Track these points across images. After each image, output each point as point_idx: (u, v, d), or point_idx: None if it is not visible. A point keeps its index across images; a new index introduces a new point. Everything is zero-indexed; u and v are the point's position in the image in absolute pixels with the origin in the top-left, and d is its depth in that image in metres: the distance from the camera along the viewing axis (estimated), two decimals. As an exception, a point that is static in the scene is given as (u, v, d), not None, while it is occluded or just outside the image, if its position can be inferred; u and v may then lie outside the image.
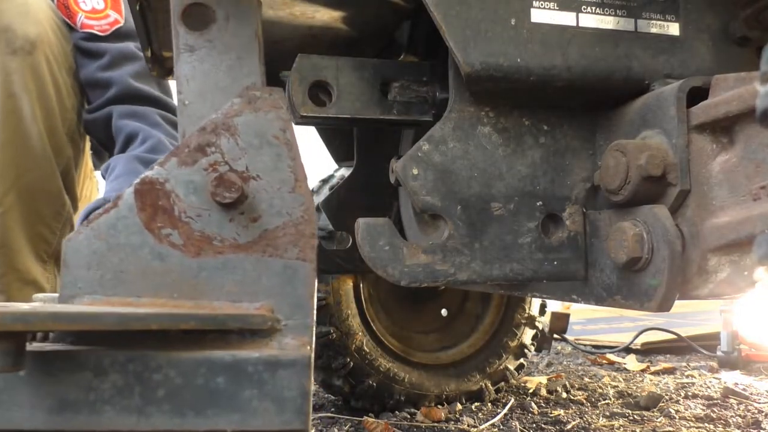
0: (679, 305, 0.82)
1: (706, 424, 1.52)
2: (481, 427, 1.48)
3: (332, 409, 1.69)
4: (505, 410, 1.62)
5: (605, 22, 0.79)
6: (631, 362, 2.42)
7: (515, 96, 0.80)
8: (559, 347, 2.82)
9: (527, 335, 1.79)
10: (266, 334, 0.59)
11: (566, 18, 0.77)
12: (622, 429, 1.48)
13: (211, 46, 0.74)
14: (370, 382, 1.60)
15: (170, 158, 0.62)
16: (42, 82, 1.65)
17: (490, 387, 1.73)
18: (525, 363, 1.82)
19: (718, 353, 2.36)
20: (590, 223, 0.82)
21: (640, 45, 0.79)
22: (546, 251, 0.81)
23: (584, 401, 1.78)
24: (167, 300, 0.60)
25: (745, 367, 2.30)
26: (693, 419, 1.56)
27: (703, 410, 1.65)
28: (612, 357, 2.54)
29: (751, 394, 1.85)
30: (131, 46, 1.76)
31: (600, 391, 1.92)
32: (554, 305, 2.39)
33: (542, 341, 1.87)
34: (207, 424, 0.55)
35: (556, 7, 0.77)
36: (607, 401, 1.77)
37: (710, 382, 2.07)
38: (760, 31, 0.80)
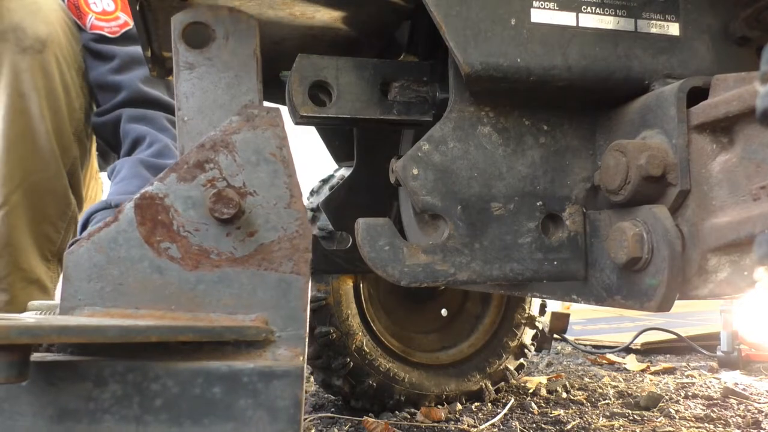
0: (679, 305, 0.82)
1: (706, 424, 1.52)
2: (481, 427, 1.48)
3: (332, 409, 1.69)
4: (505, 410, 1.62)
5: (605, 22, 0.79)
6: (631, 362, 2.42)
7: (515, 96, 0.80)
8: (559, 347, 2.82)
9: (527, 335, 1.79)
10: (261, 345, 0.61)
11: (566, 18, 0.77)
12: (622, 429, 1.48)
13: (210, 64, 0.77)
14: (370, 382, 1.60)
15: (170, 174, 0.64)
16: (51, 82, 1.66)
17: (490, 387, 1.73)
18: (525, 363, 1.82)
19: (718, 353, 2.36)
20: (590, 223, 0.82)
21: (640, 45, 0.79)
22: (546, 251, 0.81)
23: (584, 401, 1.78)
24: (165, 312, 0.62)
25: (745, 367, 2.30)
26: (693, 419, 1.56)
27: (703, 410, 1.65)
28: (612, 357, 2.54)
29: (751, 394, 1.85)
30: (141, 49, 1.77)
31: (600, 391, 1.92)
32: (554, 305, 2.39)
33: (542, 341, 1.87)
34: None
35: (556, 7, 0.77)
36: (607, 401, 1.77)
37: (710, 382, 2.07)
38: (760, 31, 0.80)
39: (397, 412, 1.63)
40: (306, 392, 1.87)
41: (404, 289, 1.70)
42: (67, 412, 0.56)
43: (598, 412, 1.64)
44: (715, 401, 1.77)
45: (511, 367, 1.77)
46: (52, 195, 1.72)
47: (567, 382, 1.97)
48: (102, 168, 2.13)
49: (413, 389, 1.64)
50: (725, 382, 2.01)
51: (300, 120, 0.85)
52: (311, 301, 1.57)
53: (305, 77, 0.83)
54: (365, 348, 1.60)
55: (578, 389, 1.94)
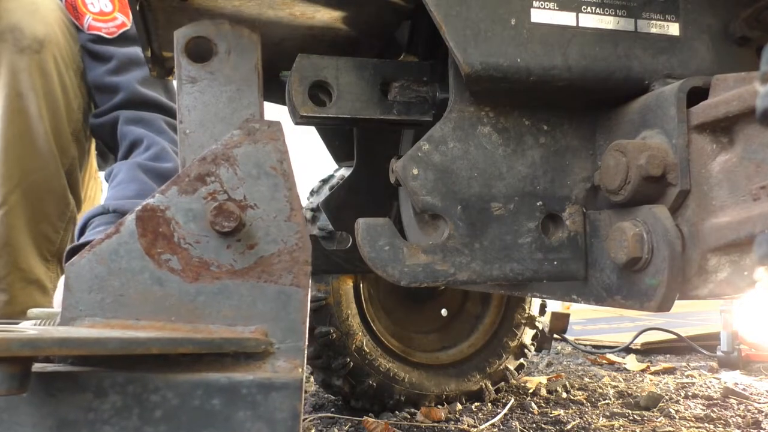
0: (679, 305, 0.82)
1: (706, 424, 1.52)
2: (481, 427, 1.48)
3: (332, 409, 1.69)
4: (505, 410, 1.62)
5: (605, 22, 0.79)
6: (631, 362, 2.42)
7: (515, 96, 0.80)
8: (559, 347, 2.82)
9: (527, 335, 1.79)
10: (260, 357, 0.61)
11: (566, 18, 0.77)
12: (622, 429, 1.48)
13: (212, 78, 0.78)
14: (370, 382, 1.60)
15: (171, 186, 0.65)
16: (49, 82, 1.66)
17: (490, 387, 1.73)
18: (525, 363, 1.82)
19: (718, 353, 2.36)
20: (590, 223, 0.82)
21: (640, 45, 0.79)
22: (546, 251, 0.81)
23: (584, 401, 1.78)
24: (165, 323, 0.62)
25: (745, 367, 2.30)
26: (693, 419, 1.56)
27: (703, 410, 1.65)
28: (612, 357, 2.54)
29: (751, 394, 1.86)
30: (138, 50, 1.77)
31: (600, 391, 1.92)
32: (554, 305, 2.39)
33: (542, 341, 1.87)
34: None
35: (556, 7, 0.77)
36: (607, 401, 1.77)
37: (710, 382, 2.07)
38: (760, 31, 0.80)
39: (397, 412, 1.63)
40: (306, 392, 1.87)
41: (404, 289, 1.70)
42: (66, 423, 0.56)
43: (598, 412, 1.64)
44: (715, 401, 1.77)
45: (511, 367, 1.77)
46: (51, 195, 1.72)
47: (567, 382, 1.97)
48: (101, 168, 2.13)
49: (413, 389, 1.64)
50: (725, 382, 2.01)
51: (300, 120, 0.85)
52: (311, 301, 1.57)
53: (305, 77, 0.83)
54: (365, 348, 1.60)
55: (578, 389, 1.94)
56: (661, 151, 0.72)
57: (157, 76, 1.11)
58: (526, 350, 1.79)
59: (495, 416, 1.56)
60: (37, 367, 0.57)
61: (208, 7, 0.85)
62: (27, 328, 0.54)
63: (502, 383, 1.77)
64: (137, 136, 1.71)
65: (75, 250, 1.58)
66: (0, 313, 1.68)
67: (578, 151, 0.84)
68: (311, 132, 1.31)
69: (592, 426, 1.50)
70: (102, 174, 2.14)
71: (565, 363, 2.49)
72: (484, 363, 1.74)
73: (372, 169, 1.16)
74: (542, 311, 1.84)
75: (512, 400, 1.72)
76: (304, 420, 1.52)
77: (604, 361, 2.50)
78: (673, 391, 1.92)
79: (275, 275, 0.64)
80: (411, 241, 0.79)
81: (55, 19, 1.69)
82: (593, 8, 0.78)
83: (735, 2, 0.81)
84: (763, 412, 1.65)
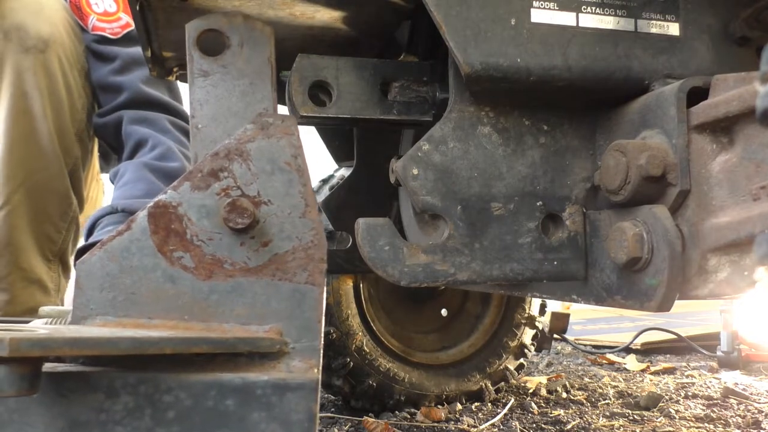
0: (679, 305, 0.82)
1: (706, 424, 1.52)
2: (481, 427, 1.48)
3: (332, 409, 1.69)
4: (505, 410, 1.62)
5: (605, 22, 0.78)
6: (631, 362, 2.42)
7: (515, 96, 0.80)
8: (559, 347, 2.82)
9: (527, 335, 1.79)
10: (274, 357, 0.60)
11: (566, 18, 0.77)
12: (622, 429, 1.48)
13: (224, 72, 0.76)
14: (370, 382, 1.60)
15: (183, 182, 0.64)
16: (53, 82, 1.66)
17: (490, 387, 1.73)
18: (525, 363, 1.82)
19: (718, 353, 2.36)
20: (590, 223, 0.82)
21: (640, 45, 0.79)
22: (546, 251, 0.81)
23: (584, 401, 1.78)
24: (178, 322, 0.61)
25: (745, 367, 2.30)
26: (693, 419, 1.56)
27: (703, 410, 1.65)
28: (612, 357, 2.54)
29: (751, 394, 1.86)
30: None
31: (600, 391, 1.92)
32: (554, 305, 2.39)
33: (542, 341, 1.87)
34: None
35: (556, 7, 0.77)
36: (607, 401, 1.77)
37: (710, 382, 2.07)
38: (760, 31, 0.80)
39: (397, 412, 1.63)
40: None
41: (404, 289, 1.70)
42: (78, 424, 0.55)
43: (598, 412, 1.64)
44: (715, 401, 1.77)
45: (511, 367, 1.77)
46: (54, 195, 1.72)
47: (567, 382, 1.97)
48: (103, 170, 2.14)
49: (413, 389, 1.64)
50: (725, 382, 2.01)
51: (300, 120, 0.85)
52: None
53: (305, 77, 0.83)
54: (365, 348, 1.60)
55: (578, 389, 1.94)
56: (661, 151, 0.72)
57: (157, 76, 1.11)
58: (526, 350, 1.79)
59: (495, 416, 1.56)
60: (47, 366, 0.56)
61: (207, 7, 0.85)
62: (37, 327, 0.54)
63: (502, 383, 1.77)
64: (142, 136, 1.72)
65: (85, 250, 1.59)
66: (1, 313, 1.68)
67: (578, 151, 0.84)
68: (311, 132, 1.31)
69: (592, 426, 1.50)
70: (104, 176, 2.14)
71: (565, 363, 2.49)
72: (484, 363, 1.74)
73: (372, 169, 1.16)
74: (542, 311, 1.84)
75: (512, 400, 1.72)
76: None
77: (604, 361, 2.50)
78: (673, 391, 1.92)
79: (290, 273, 0.63)
80: (411, 241, 0.79)
81: (60, 19, 1.69)
82: (593, 8, 0.78)
83: (735, 2, 0.81)
84: (763, 412, 1.65)
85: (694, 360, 2.54)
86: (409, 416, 1.60)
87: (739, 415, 1.61)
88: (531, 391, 1.87)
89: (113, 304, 0.61)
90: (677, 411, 1.63)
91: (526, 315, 1.78)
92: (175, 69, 1.10)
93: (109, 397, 0.55)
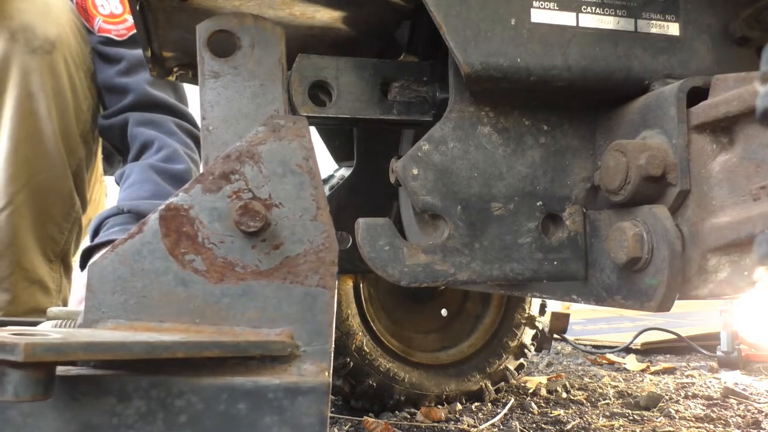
0: (679, 305, 0.82)
1: (706, 424, 1.52)
2: (481, 427, 1.48)
3: (332, 409, 1.69)
4: (505, 410, 1.62)
5: (605, 22, 0.79)
6: (631, 362, 2.42)
7: (515, 96, 0.80)
8: (559, 347, 2.82)
9: (527, 335, 1.79)
10: (286, 360, 0.60)
11: (566, 18, 0.77)
12: (622, 429, 1.48)
13: (235, 73, 0.76)
14: (370, 382, 1.60)
15: (195, 185, 0.63)
16: (59, 83, 1.66)
17: (490, 387, 1.73)
18: (525, 363, 1.82)
19: (718, 353, 2.36)
20: (590, 223, 0.82)
21: (640, 45, 0.79)
22: (546, 251, 0.81)
23: (584, 401, 1.78)
24: (189, 325, 0.61)
25: (745, 367, 2.30)
26: (693, 419, 1.56)
27: (703, 410, 1.65)
28: (612, 357, 2.54)
29: (751, 394, 1.86)
30: None
31: (600, 391, 1.92)
32: (554, 305, 2.39)
33: (542, 341, 1.87)
34: None
35: (556, 7, 0.77)
36: (607, 401, 1.77)
37: (710, 382, 2.07)
38: (760, 31, 0.80)
39: (397, 412, 1.63)
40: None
41: (404, 289, 1.70)
42: (90, 428, 0.55)
43: (598, 412, 1.64)
44: (715, 401, 1.77)
45: (511, 367, 1.77)
46: (57, 195, 1.72)
47: (567, 382, 1.97)
48: (106, 172, 2.14)
49: (413, 389, 1.64)
50: (725, 382, 2.01)
51: (300, 120, 0.85)
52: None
53: (305, 77, 0.83)
54: (365, 348, 1.60)
55: (578, 389, 1.94)
56: (661, 151, 0.72)
57: (157, 76, 1.11)
58: (526, 350, 1.79)
59: (495, 416, 1.56)
60: (60, 370, 0.55)
61: (207, 7, 0.85)
62: (49, 330, 0.53)
63: (502, 383, 1.77)
64: (148, 138, 1.72)
65: (90, 251, 1.59)
66: (2, 313, 1.68)
67: (578, 151, 0.84)
68: (311, 132, 1.31)
69: (592, 426, 1.50)
70: (107, 178, 2.14)
71: (565, 363, 2.49)
72: (484, 363, 1.74)
73: (372, 169, 1.16)
74: (542, 311, 1.84)
75: (512, 400, 1.72)
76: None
77: (604, 361, 2.50)
78: (673, 391, 1.92)
79: (301, 276, 0.63)
80: (411, 241, 0.79)
81: (66, 20, 1.69)
82: (593, 8, 0.78)
83: (735, 2, 0.81)
84: (763, 412, 1.65)
85: (694, 360, 2.54)
86: (409, 416, 1.60)
87: (739, 415, 1.61)
88: (531, 391, 1.87)
89: (125, 308, 0.61)
90: (677, 411, 1.63)
91: (526, 315, 1.78)
92: (175, 69, 1.10)
93: (121, 401, 0.55)
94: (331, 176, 1.73)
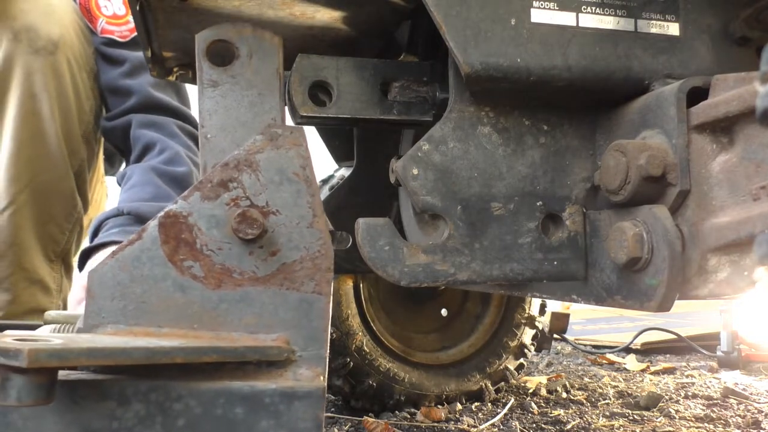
0: (679, 305, 0.82)
1: (706, 424, 1.52)
2: (481, 427, 1.48)
3: (332, 409, 1.69)
4: (505, 410, 1.62)
5: (605, 22, 0.79)
6: (631, 362, 2.42)
7: (515, 96, 0.80)
8: (559, 347, 2.82)
9: (527, 335, 1.79)
10: (282, 365, 0.61)
11: (566, 18, 0.77)
12: (622, 429, 1.48)
13: (233, 82, 0.77)
14: (370, 382, 1.60)
15: (193, 192, 0.64)
16: (62, 83, 1.66)
17: (490, 387, 1.73)
18: (525, 363, 1.82)
19: (718, 353, 2.36)
20: (590, 223, 0.82)
21: (640, 45, 0.79)
22: (546, 251, 0.81)
23: (584, 401, 1.78)
24: (188, 331, 0.62)
25: (745, 367, 2.30)
26: (693, 419, 1.56)
27: (703, 410, 1.65)
28: (612, 357, 2.54)
29: (751, 394, 1.86)
30: None
31: (600, 391, 1.92)
32: (554, 305, 2.39)
33: (542, 341, 1.87)
34: None
35: (556, 7, 0.77)
36: (607, 401, 1.77)
37: (710, 382, 2.07)
38: (760, 31, 0.80)
39: (397, 412, 1.63)
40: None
41: (404, 289, 1.70)
42: (90, 431, 0.55)
43: (598, 412, 1.64)
44: (715, 401, 1.78)
45: (511, 367, 1.77)
46: (59, 196, 1.72)
47: (567, 382, 1.97)
48: (107, 173, 2.14)
49: (413, 389, 1.64)
50: (725, 382, 2.01)
51: (300, 120, 0.85)
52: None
53: (305, 77, 0.83)
54: (365, 348, 1.60)
55: (578, 389, 1.94)
56: (661, 151, 0.72)
57: (157, 76, 1.11)
58: (526, 350, 1.79)
59: (495, 416, 1.56)
60: (60, 374, 0.56)
61: (207, 7, 0.85)
62: (50, 336, 0.54)
63: (502, 383, 1.77)
64: (150, 140, 1.72)
65: (89, 252, 1.59)
66: (2, 313, 1.68)
67: (578, 151, 0.84)
68: (311, 132, 1.31)
69: (592, 426, 1.50)
70: (108, 179, 2.15)
71: (565, 363, 2.49)
72: (484, 363, 1.74)
73: (372, 169, 1.16)
74: (542, 311, 1.84)
75: (512, 400, 1.72)
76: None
77: (604, 361, 2.50)
78: (673, 391, 1.92)
79: (297, 282, 0.64)
80: (411, 241, 0.79)
81: (70, 21, 1.70)
82: (593, 8, 0.78)
83: (735, 2, 0.81)
84: (763, 412, 1.65)
85: (694, 360, 2.54)
86: (409, 416, 1.60)
87: (739, 415, 1.61)
88: (531, 391, 1.88)
89: (124, 313, 0.61)
90: (677, 411, 1.63)
91: (526, 315, 1.78)
92: (175, 69, 1.10)
93: (120, 405, 0.56)
94: (331, 176, 1.73)
